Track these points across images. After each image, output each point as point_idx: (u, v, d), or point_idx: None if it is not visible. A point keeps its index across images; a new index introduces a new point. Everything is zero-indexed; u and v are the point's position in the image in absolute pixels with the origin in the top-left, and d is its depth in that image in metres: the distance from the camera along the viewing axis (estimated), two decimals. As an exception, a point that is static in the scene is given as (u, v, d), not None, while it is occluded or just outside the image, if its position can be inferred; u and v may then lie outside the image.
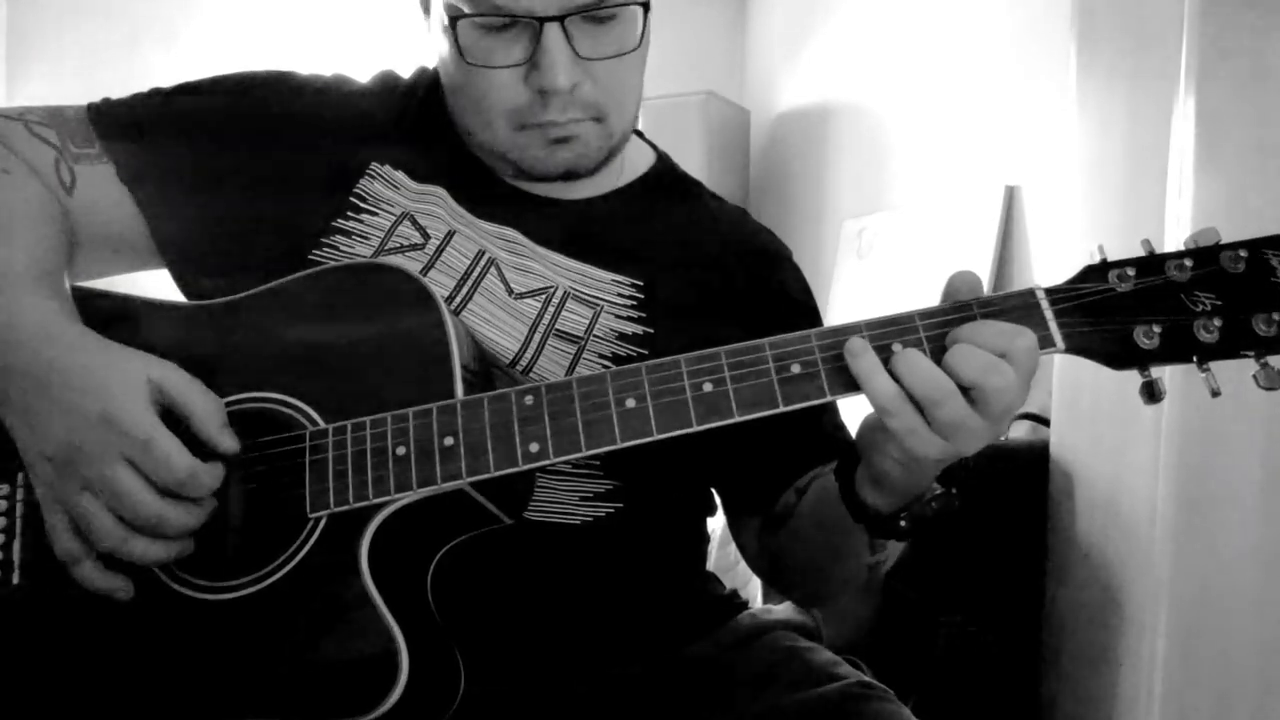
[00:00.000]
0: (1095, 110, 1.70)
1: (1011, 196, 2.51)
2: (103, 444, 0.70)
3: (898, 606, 1.88)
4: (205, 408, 0.73)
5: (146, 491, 0.70)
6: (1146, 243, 0.70)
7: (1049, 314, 0.69)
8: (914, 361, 0.66)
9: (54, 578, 0.74)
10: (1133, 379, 0.69)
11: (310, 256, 0.86)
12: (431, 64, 0.93)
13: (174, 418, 0.73)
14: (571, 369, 0.85)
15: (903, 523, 0.75)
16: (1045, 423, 1.93)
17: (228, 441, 0.74)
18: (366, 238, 0.87)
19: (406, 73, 0.98)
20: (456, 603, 0.77)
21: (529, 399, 0.71)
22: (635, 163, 0.98)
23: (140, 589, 0.74)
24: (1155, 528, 1.50)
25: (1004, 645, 1.79)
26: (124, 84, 0.95)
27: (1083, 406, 1.68)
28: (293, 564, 0.72)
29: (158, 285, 0.91)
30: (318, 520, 0.72)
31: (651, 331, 0.88)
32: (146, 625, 0.74)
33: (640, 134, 1.02)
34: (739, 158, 3.90)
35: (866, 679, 0.85)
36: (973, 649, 1.78)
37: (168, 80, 0.93)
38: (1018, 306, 0.69)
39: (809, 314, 1.00)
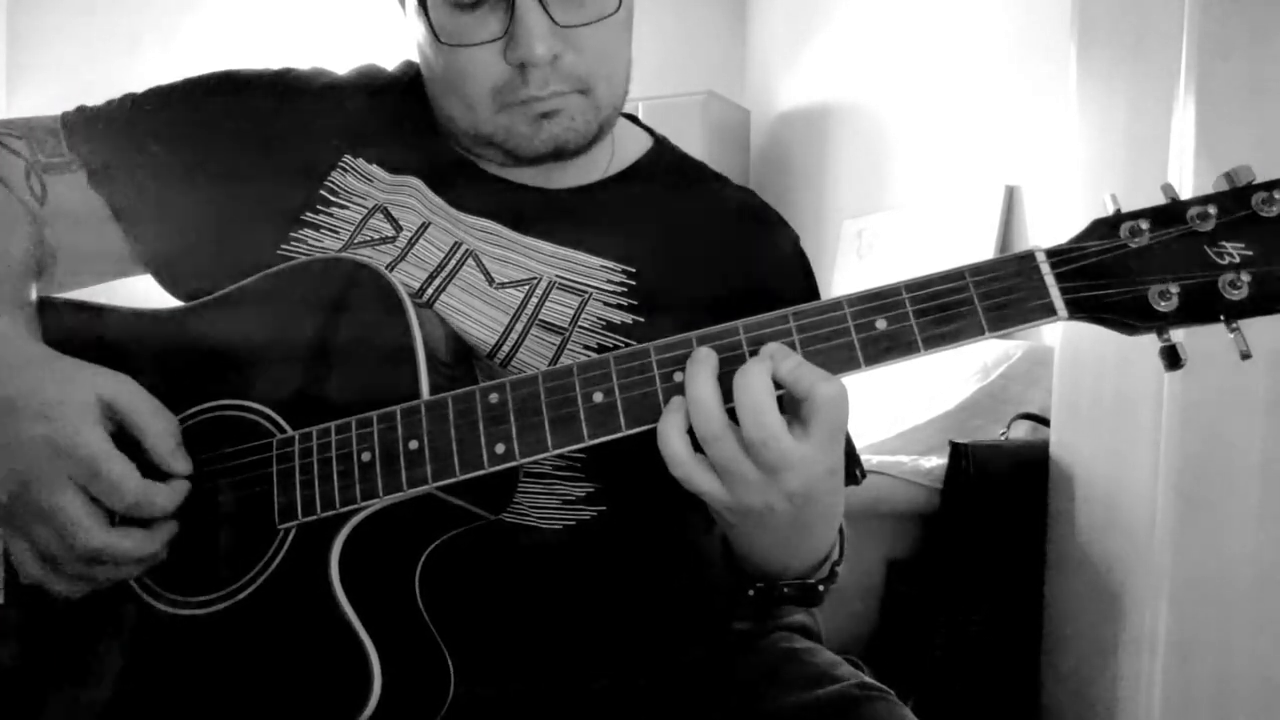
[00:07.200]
0: (1095, 110, 1.70)
1: (1011, 196, 2.51)
2: (51, 470, 0.67)
3: (898, 606, 1.88)
4: (158, 427, 0.71)
5: (92, 520, 0.67)
6: (1169, 188, 0.63)
7: (1050, 279, 0.62)
8: (695, 395, 0.63)
9: (32, 597, 0.72)
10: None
11: (279, 252, 0.84)
12: (415, 58, 0.89)
13: (128, 436, 0.71)
14: (555, 360, 0.82)
15: (751, 592, 0.75)
16: (1045, 423, 1.93)
17: (180, 464, 0.71)
18: (336, 231, 0.85)
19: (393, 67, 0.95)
20: (448, 608, 0.76)
21: (494, 397, 0.68)
22: (627, 151, 0.94)
23: (118, 605, 0.73)
24: (1155, 528, 1.50)
25: (1004, 645, 1.79)
26: (124, 84, 0.94)
27: (1083, 406, 1.68)
28: (265, 576, 0.70)
29: (143, 292, 0.90)
30: (288, 531, 0.70)
31: (641, 320, 0.84)
32: (124, 642, 0.73)
33: (636, 120, 0.98)
34: (739, 158, 3.90)
35: (866, 679, 0.84)
36: (973, 649, 1.78)
37: (167, 80, 0.93)
38: (1014, 273, 0.63)
39: (810, 294, 0.94)
